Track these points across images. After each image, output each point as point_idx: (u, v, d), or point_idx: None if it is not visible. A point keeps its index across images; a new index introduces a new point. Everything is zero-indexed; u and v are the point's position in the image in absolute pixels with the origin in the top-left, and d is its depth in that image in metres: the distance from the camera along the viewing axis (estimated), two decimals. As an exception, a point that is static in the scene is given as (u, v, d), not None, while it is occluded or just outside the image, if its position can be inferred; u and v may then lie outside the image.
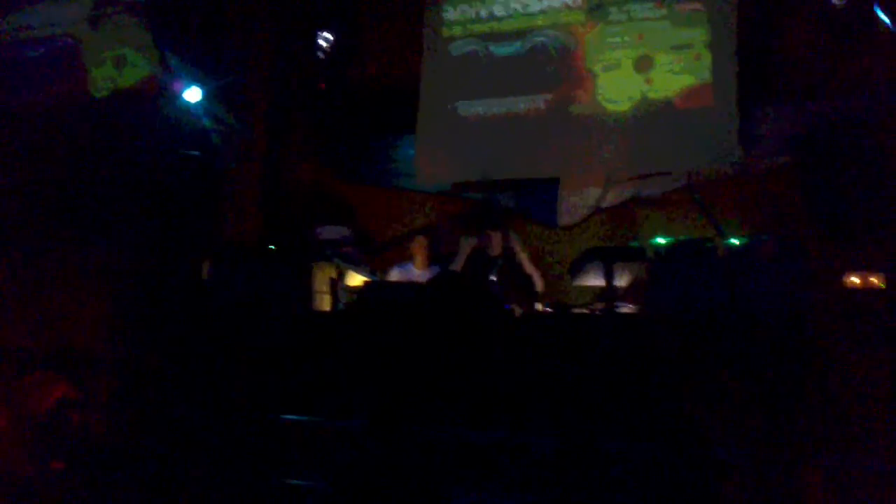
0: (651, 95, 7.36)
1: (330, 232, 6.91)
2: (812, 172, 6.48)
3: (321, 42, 8.44)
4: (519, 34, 7.99)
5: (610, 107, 7.49)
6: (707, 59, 7.20)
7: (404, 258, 6.95)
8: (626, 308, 5.42)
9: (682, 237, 5.64)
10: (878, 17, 6.49)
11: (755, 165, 7.02)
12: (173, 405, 5.55)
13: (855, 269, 5.40)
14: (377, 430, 4.93)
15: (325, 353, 5.32)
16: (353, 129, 8.50)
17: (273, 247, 6.43)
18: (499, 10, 8.11)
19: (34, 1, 9.46)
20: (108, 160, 8.24)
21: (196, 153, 7.77)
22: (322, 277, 6.08)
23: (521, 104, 7.80)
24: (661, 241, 5.34)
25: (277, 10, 8.21)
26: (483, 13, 8.17)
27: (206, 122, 7.67)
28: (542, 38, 7.88)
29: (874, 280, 5.35)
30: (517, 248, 6.53)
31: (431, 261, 6.79)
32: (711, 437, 4.41)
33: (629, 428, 4.54)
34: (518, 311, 5.67)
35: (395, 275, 6.68)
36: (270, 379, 5.41)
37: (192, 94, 7.56)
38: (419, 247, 6.82)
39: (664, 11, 7.43)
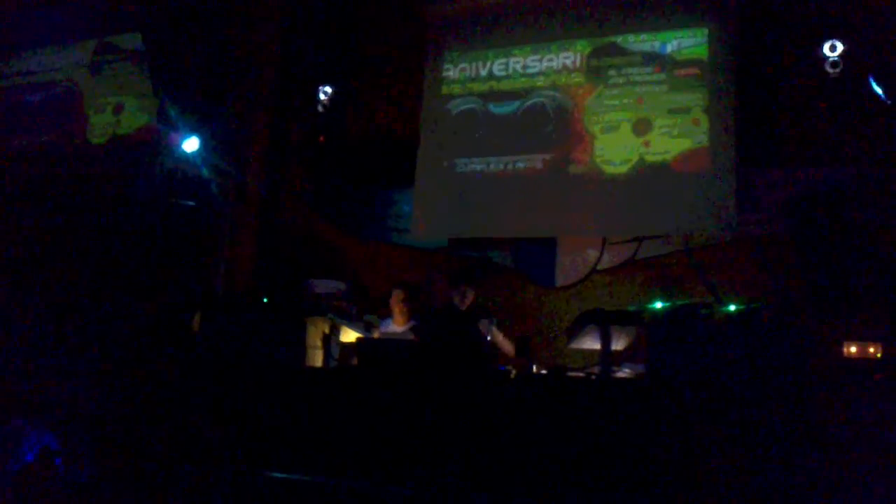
0: (649, 158, 7.39)
1: (324, 286, 6.85)
2: (809, 240, 6.49)
3: (321, 95, 8.46)
4: (518, 94, 8.05)
5: (608, 168, 7.51)
6: (705, 123, 7.25)
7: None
8: (623, 373, 5.36)
9: (678, 302, 5.61)
10: (872, 88, 6.54)
11: (752, 231, 7.03)
12: (160, 458, 5.45)
13: (852, 339, 5.38)
14: (368, 489, 4.86)
15: (317, 410, 5.24)
16: (351, 182, 8.50)
17: (266, 299, 6.36)
18: (498, 70, 8.17)
19: (36, 45, 9.50)
20: (102, 207, 8.22)
21: (191, 203, 7.74)
22: (315, 332, 6.00)
23: (520, 163, 7.83)
24: (658, 305, 5.32)
25: (278, 63, 8.25)
26: (483, 72, 8.23)
27: (204, 172, 7.65)
28: (540, 99, 7.93)
29: (871, 350, 5.34)
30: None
31: (412, 315, 6.61)
32: (706, 498, 4.34)
33: (625, 493, 4.48)
34: (513, 372, 5.60)
35: (377, 332, 6.58)
36: (260, 434, 5.32)
37: (191, 144, 7.55)
38: (395, 301, 6.62)
39: (663, 76, 7.49)
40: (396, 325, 6.58)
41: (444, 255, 8.20)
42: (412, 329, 6.46)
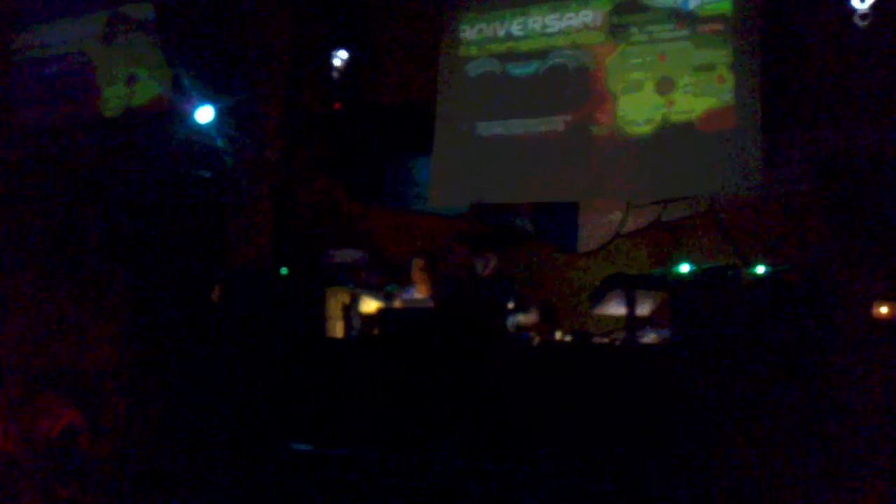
0: (673, 118, 7.22)
1: (344, 255, 6.80)
2: (837, 199, 6.34)
3: (336, 62, 8.34)
4: (537, 54, 7.87)
5: (631, 129, 7.35)
6: (730, 81, 7.06)
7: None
8: (648, 338, 5.28)
9: (704, 265, 5.51)
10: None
11: (779, 191, 6.87)
12: (183, 432, 5.44)
13: (883, 299, 5.28)
14: (391, 460, 4.83)
15: (339, 381, 5.21)
16: (368, 150, 8.42)
17: (285, 270, 6.31)
18: (517, 30, 8.01)
19: (48, 18, 9.43)
20: (118, 180, 8.18)
21: (207, 174, 7.68)
22: (335, 303, 5.97)
23: (540, 125, 7.67)
24: (684, 268, 5.24)
25: (292, 30, 8.13)
26: (501, 32, 8.07)
27: (219, 143, 7.58)
28: (561, 59, 7.76)
29: (903, 309, 5.24)
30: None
31: (434, 283, 6.49)
32: (733, 467, 4.28)
33: (651, 459, 4.43)
34: (536, 339, 5.54)
35: (399, 301, 6.51)
36: (283, 406, 5.30)
37: (205, 114, 7.47)
38: (416, 270, 6.52)
39: (686, 32, 7.29)
40: (418, 294, 6.51)
41: (464, 221, 8.11)
42: (433, 297, 6.40)
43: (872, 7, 6.54)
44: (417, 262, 6.53)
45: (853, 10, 6.61)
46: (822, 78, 6.93)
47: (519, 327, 5.93)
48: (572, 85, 7.67)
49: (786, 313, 4.70)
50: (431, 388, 4.92)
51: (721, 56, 7.14)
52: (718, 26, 7.20)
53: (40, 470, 5.30)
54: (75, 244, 7.70)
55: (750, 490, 4.28)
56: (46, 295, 7.07)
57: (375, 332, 5.77)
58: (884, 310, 5.28)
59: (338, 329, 5.95)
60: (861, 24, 6.60)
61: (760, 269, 5.22)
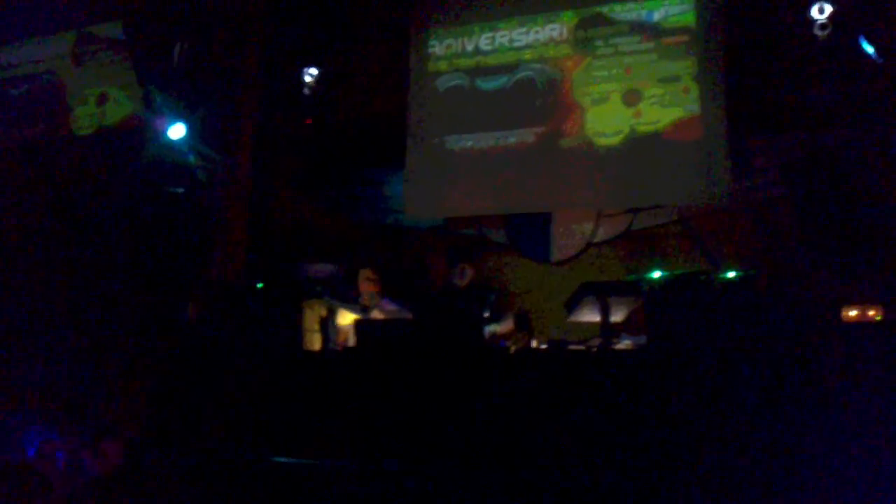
0: (640, 128, 7.33)
1: (318, 269, 6.80)
2: (806, 204, 6.46)
3: (307, 78, 8.37)
4: (505, 68, 7.96)
5: (599, 140, 7.45)
6: (695, 91, 7.18)
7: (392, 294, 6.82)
8: (623, 344, 5.34)
9: (677, 271, 5.59)
10: (862, 48, 6.49)
11: (747, 197, 6.99)
12: (162, 449, 5.42)
13: (852, 302, 5.36)
14: (371, 471, 4.84)
15: (317, 393, 5.21)
16: (341, 164, 8.44)
17: (261, 285, 6.31)
18: (485, 45, 8.09)
19: (16, 39, 9.37)
20: (90, 199, 8.14)
21: (180, 190, 7.66)
22: (312, 315, 5.98)
23: (510, 138, 7.75)
24: (656, 275, 5.29)
25: (262, 46, 8.15)
26: (469, 47, 8.14)
27: (191, 159, 7.57)
28: (528, 72, 7.85)
29: (871, 313, 5.32)
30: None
31: (383, 294, 6.52)
32: (708, 470, 4.33)
33: (628, 465, 4.47)
34: (513, 348, 5.59)
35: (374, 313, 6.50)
36: (262, 420, 5.29)
37: (177, 131, 7.46)
38: (363, 280, 6.54)
39: (651, 44, 7.41)
40: (364, 303, 6.47)
41: (439, 234, 8.15)
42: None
43: (830, 18, 6.69)
44: (365, 273, 6.54)
45: (813, 21, 6.76)
46: (786, 86, 7.06)
47: (495, 336, 5.98)
48: (541, 98, 7.75)
49: (757, 317, 4.77)
50: (409, 398, 4.94)
51: (686, 67, 7.25)
52: (683, 38, 7.32)
53: (18, 489, 5.26)
54: (47, 262, 7.66)
55: (726, 493, 4.32)
56: (18, 311, 7.03)
57: (352, 343, 5.78)
58: (853, 313, 5.36)
59: (315, 342, 5.96)
60: (820, 34, 6.75)
61: (731, 274, 5.29)
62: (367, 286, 6.49)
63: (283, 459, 5.09)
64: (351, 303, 6.32)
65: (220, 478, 5.12)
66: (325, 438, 5.08)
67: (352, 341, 5.89)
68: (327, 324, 6.05)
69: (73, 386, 5.88)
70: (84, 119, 8.92)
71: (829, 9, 6.70)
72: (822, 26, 6.74)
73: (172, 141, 7.53)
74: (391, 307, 6.36)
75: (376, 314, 6.32)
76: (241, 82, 7.91)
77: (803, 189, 6.46)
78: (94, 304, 6.64)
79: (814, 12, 6.75)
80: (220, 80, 7.90)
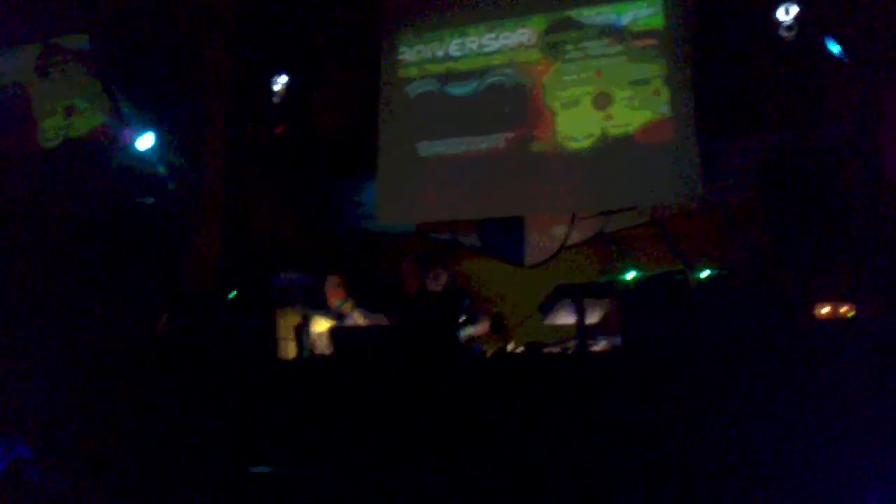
0: (611, 131, 7.37)
1: (291, 278, 6.76)
2: (777, 204, 6.50)
3: (276, 86, 8.31)
4: (475, 73, 7.98)
5: (570, 144, 7.48)
6: (665, 93, 7.24)
7: (367, 300, 6.78)
8: (599, 345, 5.34)
9: (650, 272, 5.60)
10: (829, 48, 6.56)
11: (719, 198, 7.03)
12: (136, 463, 5.34)
13: (824, 300, 5.39)
14: (349, 480, 4.80)
15: (293, 402, 5.16)
16: (312, 172, 8.40)
17: (234, 294, 6.25)
18: (454, 50, 8.10)
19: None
20: (59, 211, 8.05)
21: (150, 200, 7.59)
22: (286, 324, 5.93)
23: (482, 143, 7.77)
24: (630, 276, 5.30)
25: (231, 55, 8.10)
26: (439, 53, 8.16)
27: (161, 169, 7.50)
28: (498, 77, 7.87)
29: (843, 310, 5.35)
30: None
31: (353, 302, 6.48)
32: (686, 472, 4.33)
33: (605, 467, 4.45)
34: (489, 351, 5.57)
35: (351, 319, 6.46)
36: (238, 430, 5.23)
37: (145, 141, 7.39)
38: (331, 287, 6.54)
39: (621, 48, 7.46)
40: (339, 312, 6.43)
41: (412, 239, 8.13)
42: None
43: (796, 18, 6.75)
44: (332, 280, 6.52)
45: (779, 23, 6.81)
46: (754, 87, 7.13)
47: (471, 340, 5.96)
48: (511, 103, 7.79)
49: (731, 316, 4.78)
50: (386, 404, 4.90)
51: (656, 70, 7.32)
52: (652, 41, 7.38)
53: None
54: (17, 274, 7.55)
55: (704, 493, 4.32)
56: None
57: (328, 351, 5.74)
58: (825, 310, 5.39)
59: (290, 350, 5.90)
60: (786, 35, 6.80)
61: (704, 274, 5.30)
62: (334, 293, 6.44)
63: (260, 469, 5.03)
64: (325, 310, 6.28)
65: (195, 488, 5.05)
66: (302, 447, 5.02)
67: (326, 349, 5.84)
68: (301, 332, 6.00)
69: (44, 400, 5.77)
70: (51, 131, 8.85)
71: (794, 10, 6.75)
72: (789, 27, 6.79)
73: (141, 151, 7.44)
74: (361, 314, 6.33)
75: (351, 321, 6.28)
76: (210, 91, 7.85)
77: (774, 189, 6.50)
78: (65, 317, 6.54)
79: (780, 14, 6.80)
80: (188, 88, 7.83)
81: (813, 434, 4.28)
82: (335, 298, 6.47)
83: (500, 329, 6.08)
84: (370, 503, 4.75)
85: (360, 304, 6.44)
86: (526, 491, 4.53)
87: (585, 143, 7.44)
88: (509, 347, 5.76)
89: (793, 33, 6.79)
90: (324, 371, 5.33)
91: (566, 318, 5.46)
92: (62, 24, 8.85)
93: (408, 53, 8.27)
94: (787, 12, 6.79)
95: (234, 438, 5.20)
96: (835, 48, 6.54)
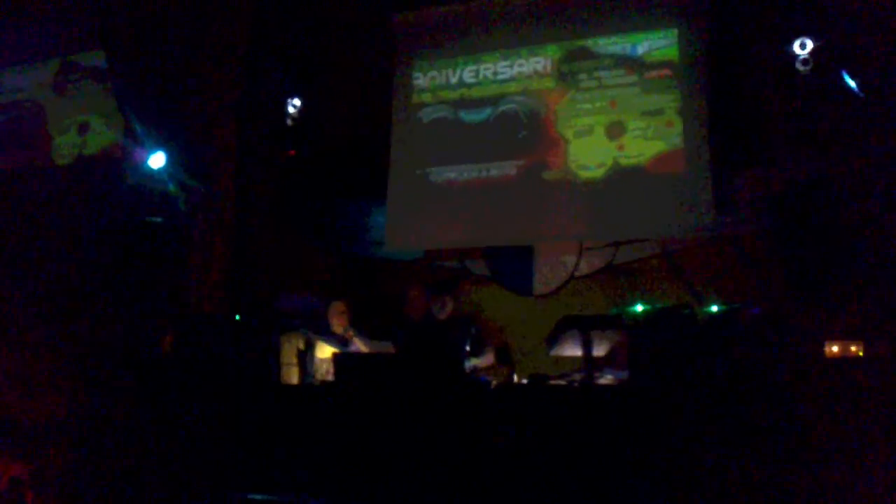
0: (623, 161, 7.34)
1: (297, 301, 6.73)
2: (789, 238, 6.44)
3: (290, 108, 8.34)
4: (489, 101, 7.98)
5: (582, 173, 7.45)
6: (678, 125, 7.21)
7: (373, 326, 6.73)
8: (605, 379, 5.28)
9: (659, 305, 5.54)
10: (844, 82, 6.52)
11: (731, 231, 6.98)
12: (134, 483, 5.31)
13: (835, 338, 5.33)
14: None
15: (295, 428, 5.12)
16: (323, 195, 8.40)
17: (238, 317, 6.23)
18: (469, 77, 8.10)
19: (-1, 67, 9.36)
20: (70, 228, 8.07)
21: (159, 220, 7.59)
22: (290, 349, 5.91)
23: (493, 170, 7.75)
24: (638, 308, 5.25)
25: (245, 76, 8.12)
26: (453, 80, 8.16)
27: (172, 189, 7.51)
28: (512, 105, 7.87)
29: (853, 349, 5.29)
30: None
31: (353, 327, 6.39)
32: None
33: (610, 500, 4.40)
34: (494, 382, 5.51)
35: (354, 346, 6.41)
36: (237, 455, 5.19)
37: (157, 160, 7.40)
38: (336, 314, 6.45)
39: (635, 78, 7.45)
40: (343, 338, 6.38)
41: (420, 266, 8.10)
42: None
43: (812, 53, 6.72)
44: (336, 306, 6.47)
45: (795, 56, 6.78)
46: (769, 120, 7.09)
47: (476, 370, 5.91)
48: (524, 130, 7.78)
49: (740, 351, 4.73)
50: (388, 433, 4.86)
51: (669, 101, 7.29)
52: (666, 72, 7.36)
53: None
54: (23, 293, 7.56)
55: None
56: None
57: (331, 377, 5.70)
58: (835, 349, 5.33)
59: (293, 376, 5.87)
60: (802, 69, 6.77)
61: (714, 308, 5.25)
62: (337, 319, 6.41)
63: (259, 497, 4.99)
64: (330, 336, 6.24)
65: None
66: (302, 474, 4.99)
67: (330, 375, 5.80)
68: (305, 357, 5.96)
69: (44, 420, 5.75)
70: (64, 148, 8.91)
71: (810, 44, 6.72)
72: (804, 62, 6.76)
73: (153, 170, 7.46)
74: (363, 341, 6.27)
75: (355, 347, 6.24)
76: (223, 112, 7.86)
77: (786, 223, 6.44)
78: (67, 336, 6.54)
79: (795, 47, 6.78)
80: (201, 109, 7.85)
81: (821, 472, 4.24)
82: (339, 324, 6.42)
83: (505, 360, 6.03)
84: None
85: (365, 329, 6.39)
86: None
87: (597, 173, 7.41)
88: (514, 379, 5.71)
89: (808, 67, 6.76)
90: (326, 398, 5.29)
91: (573, 349, 5.41)
92: (80, 42, 8.92)
93: (421, 79, 8.27)
94: (802, 46, 6.76)
95: (232, 463, 5.16)
96: (850, 83, 6.51)
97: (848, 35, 6.70)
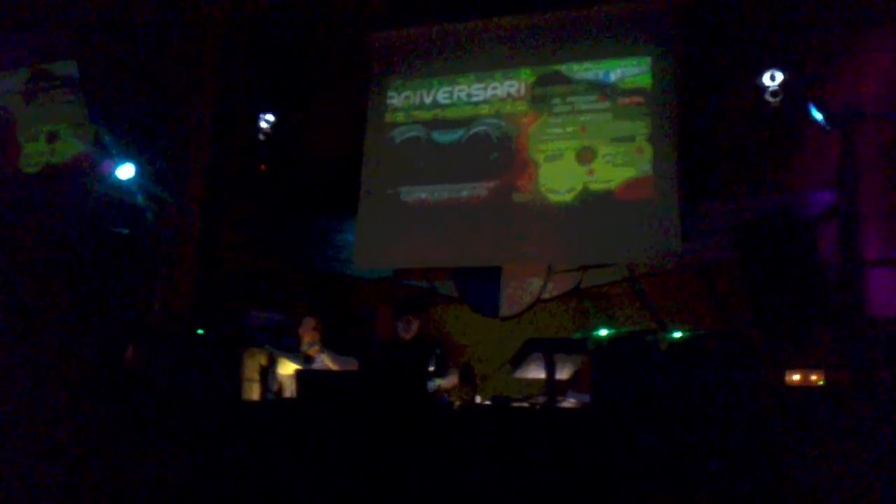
0: (593, 186, 7.38)
1: (264, 317, 6.68)
2: (753, 268, 6.48)
3: (263, 123, 8.31)
4: (462, 122, 8.01)
5: (552, 197, 7.48)
6: (648, 151, 7.26)
7: (340, 343, 6.70)
8: (568, 402, 5.28)
9: (623, 329, 5.56)
10: (811, 116, 6.61)
11: (697, 259, 7.03)
12: (92, 495, 5.23)
13: (796, 366, 5.38)
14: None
15: (254, 445, 5.07)
16: (293, 211, 8.37)
17: (202, 331, 6.18)
18: (443, 98, 8.13)
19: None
20: (34, 236, 7.98)
21: (125, 231, 7.53)
22: (252, 364, 5.84)
23: (464, 191, 7.78)
24: (602, 333, 5.26)
25: (218, 89, 8.11)
26: (427, 100, 8.18)
27: (140, 200, 7.45)
28: (484, 127, 7.90)
29: (814, 377, 5.34)
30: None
31: (322, 344, 6.38)
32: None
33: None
34: (457, 403, 5.49)
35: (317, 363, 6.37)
36: (195, 470, 5.13)
37: (126, 171, 7.35)
38: (308, 329, 6.41)
39: (607, 104, 7.51)
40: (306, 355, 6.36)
41: (387, 284, 8.09)
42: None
43: (781, 85, 6.81)
44: (308, 322, 6.45)
45: (764, 88, 6.87)
46: (738, 150, 7.17)
47: (439, 391, 5.89)
48: (496, 152, 7.81)
49: (702, 378, 4.74)
50: (349, 452, 4.83)
51: (640, 128, 7.35)
52: (638, 99, 7.43)
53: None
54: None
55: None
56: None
57: (292, 393, 5.66)
58: (796, 377, 5.38)
59: (254, 391, 5.82)
60: (772, 100, 6.86)
61: (678, 335, 5.27)
62: (309, 336, 6.37)
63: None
64: (293, 352, 6.19)
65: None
66: (260, 491, 4.93)
67: (291, 392, 5.76)
68: (267, 373, 5.91)
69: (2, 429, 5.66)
70: (33, 157, 8.82)
71: (780, 76, 6.81)
72: (774, 93, 6.85)
73: (121, 181, 7.40)
74: (330, 357, 6.24)
75: (318, 364, 6.20)
76: (195, 125, 7.84)
77: (751, 253, 6.49)
78: (26, 346, 6.44)
79: (765, 79, 6.87)
80: (172, 122, 7.82)
81: (778, 493, 4.26)
82: (310, 340, 6.38)
83: (469, 380, 6.01)
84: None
85: (331, 346, 6.36)
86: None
87: (567, 197, 7.45)
88: (477, 400, 5.69)
89: (778, 99, 6.84)
90: (287, 414, 5.25)
91: (536, 372, 5.41)
92: (52, 51, 8.86)
93: (396, 98, 8.29)
94: (772, 78, 6.85)
95: (190, 477, 5.10)
96: (817, 115, 6.59)
97: (816, 68, 6.82)
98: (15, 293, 7.60)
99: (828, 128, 6.56)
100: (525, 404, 5.29)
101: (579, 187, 7.42)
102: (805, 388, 5.29)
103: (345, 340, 6.80)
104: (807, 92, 6.71)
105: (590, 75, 7.65)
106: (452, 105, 8.10)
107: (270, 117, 8.35)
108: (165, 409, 5.35)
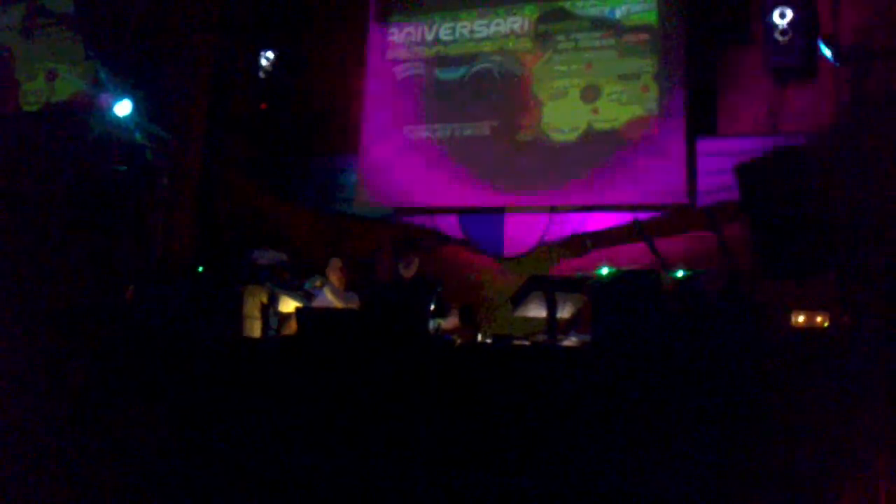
0: (597, 125, 7.30)
1: (266, 256, 6.67)
2: (758, 209, 6.42)
3: (263, 61, 8.20)
4: (465, 59, 7.90)
5: (556, 136, 7.40)
6: (654, 90, 7.16)
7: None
8: (569, 341, 5.26)
9: (624, 269, 5.52)
10: (820, 52, 6.50)
11: (702, 200, 6.96)
12: (93, 434, 5.25)
13: (800, 308, 5.34)
14: (310, 464, 4.73)
15: (255, 381, 5.07)
16: (293, 150, 8.30)
17: (202, 269, 6.16)
18: (445, 35, 8.01)
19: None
20: (35, 174, 7.94)
21: (123, 168, 7.47)
22: (253, 302, 5.84)
23: (467, 130, 7.69)
24: (604, 271, 5.23)
25: (219, 27, 7.98)
26: (429, 37, 8.06)
27: (139, 138, 7.38)
28: (488, 64, 7.79)
29: (819, 319, 5.30)
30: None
31: (348, 285, 6.48)
32: (654, 472, 4.27)
33: (570, 462, 4.39)
34: (457, 341, 5.48)
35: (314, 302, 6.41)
36: (196, 406, 5.14)
37: (123, 108, 7.26)
38: (335, 270, 6.49)
39: (612, 41, 7.38)
40: (330, 296, 6.37)
41: (389, 224, 8.05)
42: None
43: (790, 24, 6.68)
44: (336, 262, 6.46)
45: (774, 26, 6.74)
46: (745, 89, 7.06)
47: (440, 329, 5.88)
48: (499, 90, 7.72)
49: (705, 318, 4.71)
50: (349, 389, 4.83)
51: (646, 66, 7.24)
52: (644, 36, 7.30)
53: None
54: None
55: (668, 492, 4.27)
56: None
57: (293, 331, 5.65)
58: (801, 318, 5.34)
59: (255, 329, 5.82)
60: (781, 39, 6.73)
61: (679, 274, 5.23)
62: (336, 275, 6.43)
63: (218, 449, 4.95)
64: (293, 290, 6.19)
65: (153, 469, 4.97)
66: (262, 427, 4.94)
67: (293, 329, 5.75)
68: (268, 311, 5.91)
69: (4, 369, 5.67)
70: (32, 95, 8.76)
71: (790, 14, 6.68)
72: (783, 31, 6.72)
73: (119, 118, 7.32)
74: (333, 292, 6.25)
75: (320, 299, 6.20)
76: (194, 63, 7.73)
77: (755, 193, 6.42)
78: (27, 284, 6.44)
79: (775, 17, 6.73)
80: (172, 58, 7.72)
81: (784, 440, 4.24)
82: (337, 279, 6.44)
83: (469, 320, 6.01)
84: (327, 486, 4.67)
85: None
86: (487, 481, 4.47)
87: (571, 136, 7.36)
88: (479, 338, 5.69)
89: (787, 38, 6.71)
90: (287, 352, 5.25)
91: (537, 311, 5.39)
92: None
93: (397, 35, 8.16)
94: (782, 16, 6.71)
95: (190, 415, 5.11)
96: (826, 52, 6.48)
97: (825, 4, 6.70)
98: (13, 228, 7.59)
99: (837, 65, 6.45)
100: (526, 343, 5.29)
101: (584, 126, 7.33)
102: (810, 329, 5.26)
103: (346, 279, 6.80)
104: (816, 29, 6.59)
105: (594, 11, 7.51)
106: (455, 42, 7.98)
107: (271, 54, 8.23)
108: (165, 346, 5.35)
